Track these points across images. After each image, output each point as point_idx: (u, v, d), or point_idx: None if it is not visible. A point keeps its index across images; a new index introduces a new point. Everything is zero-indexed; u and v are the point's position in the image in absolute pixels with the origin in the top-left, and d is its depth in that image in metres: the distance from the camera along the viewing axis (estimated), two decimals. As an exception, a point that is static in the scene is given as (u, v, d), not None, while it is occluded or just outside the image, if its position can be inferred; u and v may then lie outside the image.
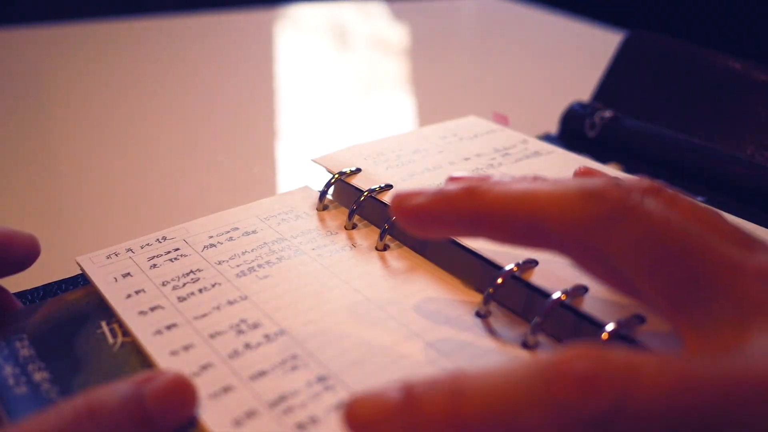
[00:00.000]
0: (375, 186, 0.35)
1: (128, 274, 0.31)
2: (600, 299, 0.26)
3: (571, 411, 0.17)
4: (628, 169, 0.43)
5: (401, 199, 0.24)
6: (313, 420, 0.23)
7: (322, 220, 0.36)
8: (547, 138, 0.51)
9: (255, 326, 0.27)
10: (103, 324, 0.29)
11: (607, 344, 0.25)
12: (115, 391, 0.22)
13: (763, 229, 0.32)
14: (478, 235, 0.24)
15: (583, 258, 0.23)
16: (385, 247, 0.33)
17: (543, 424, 0.17)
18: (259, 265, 0.31)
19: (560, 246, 0.23)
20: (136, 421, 0.22)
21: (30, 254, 0.29)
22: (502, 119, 0.48)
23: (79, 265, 0.32)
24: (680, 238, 0.21)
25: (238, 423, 0.23)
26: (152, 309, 0.29)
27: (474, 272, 0.30)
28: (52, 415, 0.21)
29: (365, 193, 0.35)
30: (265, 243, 0.33)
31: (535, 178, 0.25)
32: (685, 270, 0.21)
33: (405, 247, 0.33)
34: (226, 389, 0.24)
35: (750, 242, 0.22)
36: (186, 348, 0.26)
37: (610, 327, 0.25)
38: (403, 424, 0.19)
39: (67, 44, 0.81)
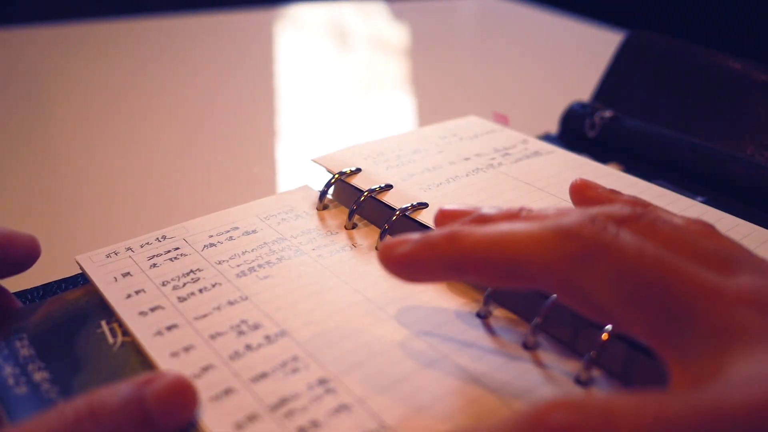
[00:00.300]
0: (375, 186, 0.35)
1: (128, 273, 0.31)
2: (600, 300, 0.26)
3: None
4: (628, 169, 0.43)
5: (388, 248, 0.25)
6: (315, 424, 0.23)
7: (322, 219, 0.36)
8: (547, 138, 0.51)
9: (256, 327, 0.27)
10: (103, 323, 0.29)
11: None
12: (116, 392, 0.22)
13: (763, 229, 0.32)
14: (463, 278, 0.25)
15: (565, 296, 0.23)
16: (386, 248, 0.33)
17: None
18: (260, 265, 0.31)
19: (543, 285, 0.23)
20: (136, 422, 0.22)
21: (30, 255, 0.29)
22: (502, 119, 0.48)
23: (79, 264, 0.32)
24: (656, 271, 0.21)
25: (239, 427, 0.23)
26: (152, 309, 0.28)
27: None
28: (53, 415, 0.21)
29: (365, 193, 0.35)
30: (265, 243, 0.33)
31: (518, 213, 0.25)
32: (663, 302, 0.21)
33: (405, 248, 0.33)
34: (227, 391, 0.24)
35: (731, 264, 0.22)
36: (186, 349, 0.26)
37: (609, 327, 0.25)
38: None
39: (67, 44, 0.81)
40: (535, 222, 0.23)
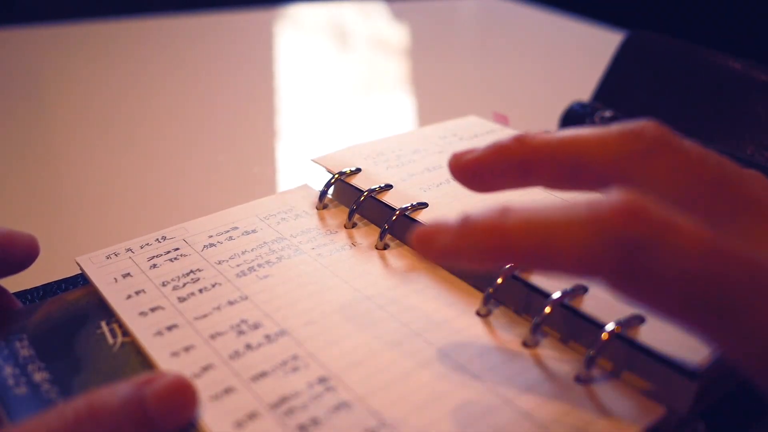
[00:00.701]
0: (375, 186, 0.35)
1: (128, 274, 0.31)
2: (599, 299, 0.26)
3: (610, 231, 0.19)
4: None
5: (458, 156, 0.26)
6: (315, 422, 0.23)
7: (321, 219, 0.36)
8: (547, 138, 0.51)
9: (255, 326, 0.27)
10: (103, 324, 0.29)
11: (609, 342, 0.25)
12: (116, 392, 0.22)
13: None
14: (529, 182, 0.25)
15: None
16: (385, 247, 0.33)
17: (581, 242, 0.19)
18: (259, 265, 0.31)
19: (603, 184, 0.23)
20: (136, 422, 0.22)
21: (29, 255, 0.29)
22: (502, 119, 0.48)
23: (79, 266, 0.32)
24: (718, 172, 0.22)
25: (239, 425, 0.23)
26: (152, 310, 0.29)
27: (474, 272, 0.30)
28: (53, 415, 0.21)
29: (365, 193, 0.35)
30: (264, 242, 0.33)
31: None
32: (722, 199, 0.22)
33: (405, 246, 0.33)
34: (228, 390, 0.24)
35: None
36: (187, 349, 0.26)
37: (609, 327, 0.25)
38: (457, 233, 0.21)
39: (67, 44, 0.81)
40: (599, 128, 0.24)
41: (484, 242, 0.21)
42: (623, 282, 0.20)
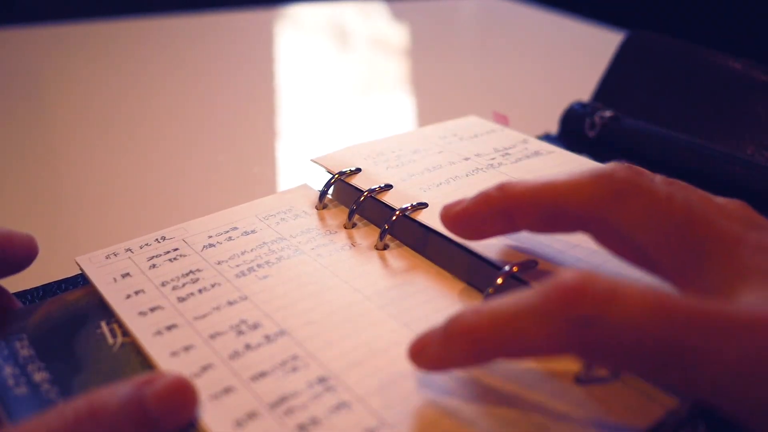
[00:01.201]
0: (375, 186, 0.35)
1: (127, 274, 0.31)
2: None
3: (558, 313, 0.20)
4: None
5: (447, 209, 0.29)
6: (314, 421, 0.23)
7: (321, 219, 0.36)
8: (547, 138, 0.51)
9: (255, 327, 0.27)
10: (103, 324, 0.29)
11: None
12: (116, 392, 0.22)
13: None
14: (514, 227, 0.27)
15: (601, 234, 0.25)
16: (385, 247, 0.33)
17: (538, 328, 0.21)
18: (259, 265, 0.31)
19: (582, 225, 0.25)
20: (136, 422, 0.22)
21: (28, 255, 0.29)
22: (502, 119, 0.48)
23: (79, 266, 0.32)
24: (685, 212, 0.23)
25: (239, 424, 0.23)
26: (152, 309, 0.29)
27: (474, 272, 0.30)
28: (53, 415, 0.21)
29: (365, 193, 0.35)
30: (264, 243, 0.33)
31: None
32: (689, 240, 0.23)
33: (405, 247, 0.33)
34: (227, 390, 0.24)
35: (753, 224, 0.24)
36: (186, 349, 0.26)
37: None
38: (441, 342, 0.23)
39: (67, 44, 0.81)
40: (574, 172, 0.25)
41: (463, 348, 0.23)
42: (588, 355, 0.21)
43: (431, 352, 0.23)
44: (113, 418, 0.21)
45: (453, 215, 0.28)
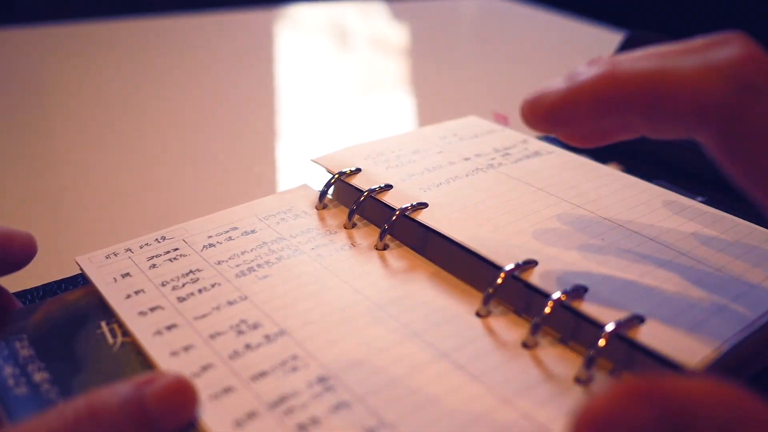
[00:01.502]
0: (375, 186, 0.35)
1: (127, 274, 0.31)
2: (600, 299, 0.26)
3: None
4: (628, 169, 0.43)
5: (537, 96, 0.23)
6: (314, 421, 0.23)
7: (321, 219, 0.36)
8: (547, 138, 0.51)
9: (255, 327, 0.27)
10: (103, 324, 0.29)
11: (608, 342, 0.25)
12: (116, 392, 0.22)
13: (763, 229, 0.32)
14: (626, 126, 0.23)
15: (722, 141, 0.20)
16: (385, 247, 0.33)
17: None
18: (259, 265, 0.31)
19: (703, 126, 0.20)
20: (136, 422, 0.22)
21: (27, 253, 0.29)
22: (502, 119, 0.48)
23: (79, 265, 0.32)
24: None
25: (238, 424, 0.23)
26: (152, 309, 0.29)
27: (474, 272, 0.30)
28: (53, 416, 0.21)
29: (365, 193, 0.35)
30: (264, 243, 0.33)
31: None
32: None
33: (405, 247, 0.33)
34: (227, 390, 0.24)
35: None
36: (186, 348, 0.26)
37: (609, 327, 0.25)
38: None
39: (67, 44, 0.81)
40: (696, 58, 0.20)
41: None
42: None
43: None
44: (113, 418, 0.21)
45: (547, 105, 0.23)
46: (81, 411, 0.21)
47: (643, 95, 0.20)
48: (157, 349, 0.26)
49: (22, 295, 0.32)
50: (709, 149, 0.21)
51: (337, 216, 0.36)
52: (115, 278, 0.30)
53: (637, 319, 0.25)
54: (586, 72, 0.22)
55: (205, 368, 0.25)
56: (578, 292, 0.27)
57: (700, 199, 0.37)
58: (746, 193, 0.22)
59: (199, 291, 0.30)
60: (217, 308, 0.29)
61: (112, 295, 0.29)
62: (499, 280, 0.28)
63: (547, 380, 0.25)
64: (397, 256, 0.32)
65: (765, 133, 0.19)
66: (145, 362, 0.26)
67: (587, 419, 0.16)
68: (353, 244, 0.33)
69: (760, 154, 0.19)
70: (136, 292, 0.30)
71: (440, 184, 0.36)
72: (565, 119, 0.22)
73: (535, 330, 0.26)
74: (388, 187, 0.35)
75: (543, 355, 0.26)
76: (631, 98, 0.21)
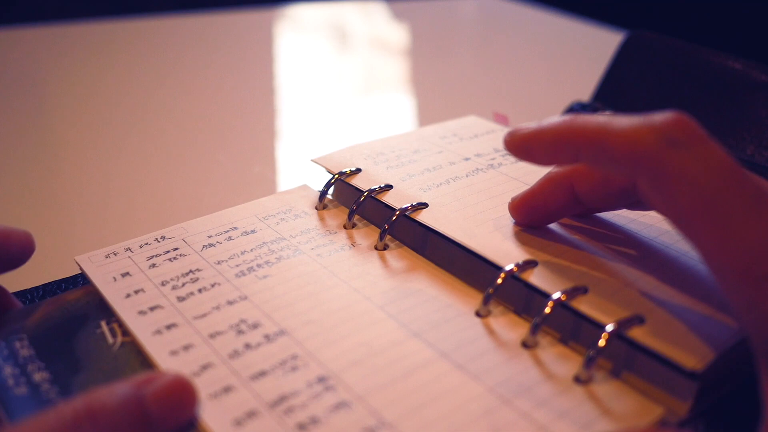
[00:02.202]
0: (375, 186, 0.35)
1: (127, 273, 0.31)
2: (599, 300, 0.26)
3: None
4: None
5: (511, 133, 0.29)
6: (314, 420, 0.23)
7: (321, 219, 0.36)
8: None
9: (255, 326, 0.27)
10: (103, 324, 0.29)
11: (608, 342, 0.25)
12: (115, 392, 0.22)
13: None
14: (573, 156, 0.27)
15: (650, 181, 0.24)
16: (385, 247, 0.33)
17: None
18: (259, 265, 0.31)
19: (633, 174, 0.24)
20: (135, 422, 0.22)
21: (24, 251, 0.29)
22: (502, 119, 0.48)
23: (78, 265, 0.32)
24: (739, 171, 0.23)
25: (238, 423, 0.23)
26: (152, 309, 0.29)
27: (474, 272, 0.30)
28: (52, 416, 0.21)
29: (365, 193, 0.35)
30: (264, 242, 0.33)
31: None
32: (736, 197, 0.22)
33: (405, 247, 0.33)
34: (227, 389, 0.24)
35: None
36: (186, 348, 0.26)
37: (609, 327, 0.25)
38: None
39: (67, 44, 0.81)
40: (629, 118, 0.25)
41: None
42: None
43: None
44: (112, 417, 0.21)
45: (520, 136, 0.28)
46: (79, 411, 0.21)
47: (591, 142, 0.25)
48: (156, 349, 0.26)
49: (22, 294, 0.32)
50: (640, 191, 0.25)
51: (337, 216, 0.36)
52: (114, 277, 0.30)
53: (637, 319, 0.25)
54: (553, 119, 0.27)
55: (205, 367, 0.25)
56: (578, 292, 0.27)
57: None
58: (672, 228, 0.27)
59: (199, 291, 0.30)
60: (217, 308, 0.29)
61: (112, 295, 0.29)
62: (499, 280, 0.28)
63: (547, 380, 0.25)
64: (397, 257, 0.32)
65: (682, 178, 0.23)
66: (144, 361, 0.26)
67: None
68: (353, 245, 0.33)
69: (678, 195, 0.23)
70: (136, 292, 0.30)
71: (440, 184, 0.36)
72: (530, 150, 0.28)
73: (535, 330, 0.27)
74: (388, 187, 0.35)
75: (543, 355, 0.26)
76: (581, 143, 0.25)
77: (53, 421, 0.21)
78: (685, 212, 0.23)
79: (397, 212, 0.33)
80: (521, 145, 0.28)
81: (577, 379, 0.25)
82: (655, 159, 0.23)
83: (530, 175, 0.37)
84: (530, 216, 0.31)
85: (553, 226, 0.32)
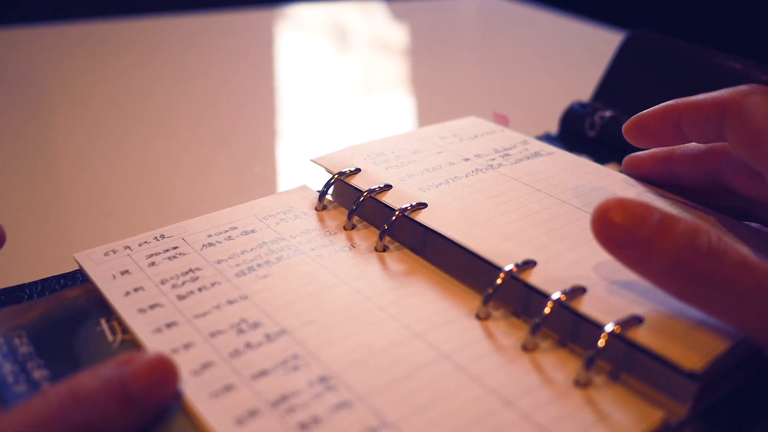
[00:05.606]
0: (375, 186, 0.35)
1: (126, 271, 0.31)
2: (599, 300, 0.27)
3: None
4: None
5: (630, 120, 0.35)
6: (316, 420, 0.23)
7: (321, 220, 0.36)
8: (547, 138, 0.51)
9: (255, 326, 0.27)
10: (103, 321, 0.29)
11: (607, 343, 0.25)
12: (97, 374, 0.22)
13: (764, 230, 0.32)
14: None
15: (732, 122, 0.30)
16: (385, 249, 0.33)
17: None
18: (259, 265, 0.31)
19: (721, 113, 0.31)
20: (119, 401, 0.22)
21: None
22: (502, 119, 0.48)
23: (77, 262, 0.32)
24: None
25: (240, 422, 0.23)
26: (151, 307, 0.29)
27: (473, 272, 0.30)
28: (36, 402, 0.21)
29: (365, 194, 0.35)
30: (264, 242, 0.33)
31: None
32: None
33: (404, 249, 0.33)
34: (228, 388, 0.24)
35: None
36: (186, 346, 0.26)
37: (609, 328, 0.25)
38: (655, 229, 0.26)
39: (67, 44, 0.81)
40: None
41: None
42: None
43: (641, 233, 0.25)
44: (96, 399, 0.22)
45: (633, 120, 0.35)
46: (63, 395, 0.22)
47: (688, 105, 0.33)
48: (156, 346, 0.26)
49: (20, 289, 0.32)
50: (727, 134, 0.30)
51: (336, 217, 0.36)
52: (114, 275, 0.30)
53: (637, 320, 0.25)
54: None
55: (206, 366, 0.25)
56: (577, 292, 0.27)
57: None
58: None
59: (199, 290, 0.30)
60: (217, 307, 0.29)
61: (112, 292, 0.29)
62: (499, 281, 0.28)
63: (547, 383, 0.25)
64: (397, 259, 0.33)
65: (757, 113, 0.28)
66: (145, 361, 0.26)
67: None
68: (353, 246, 0.33)
69: (759, 130, 0.28)
70: (136, 290, 0.30)
71: (440, 184, 0.36)
72: (643, 125, 0.35)
73: (534, 330, 0.27)
74: (388, 187, 0.35)
75: (542, 358, 0.26)
76: (681, 108, 0.34)
77: (39, 407, 0.21)
78: (762, 139, 0.28)
79: (397, 212, 0.33)
80: (636, 123, 0.35)
81: (577, 383, 0.25)
82: (738, 102, 0.29)
83: (530, 176, 0.37)
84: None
85: (552, 226, 0.32)
